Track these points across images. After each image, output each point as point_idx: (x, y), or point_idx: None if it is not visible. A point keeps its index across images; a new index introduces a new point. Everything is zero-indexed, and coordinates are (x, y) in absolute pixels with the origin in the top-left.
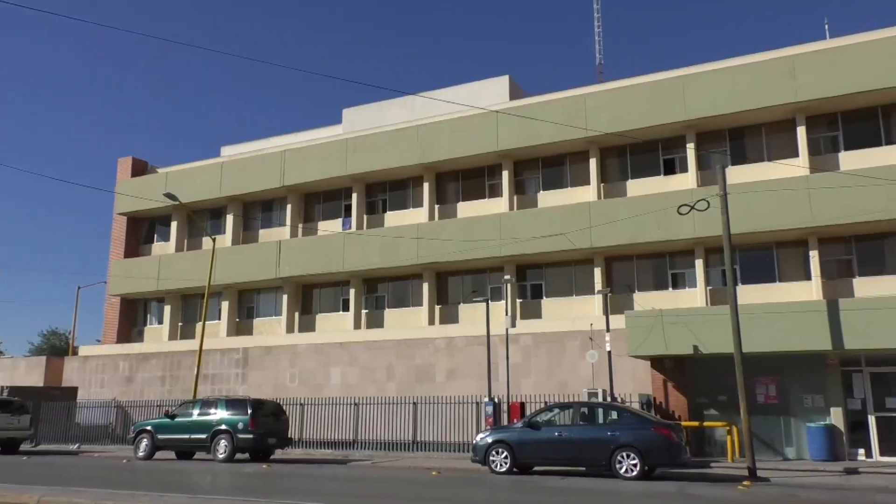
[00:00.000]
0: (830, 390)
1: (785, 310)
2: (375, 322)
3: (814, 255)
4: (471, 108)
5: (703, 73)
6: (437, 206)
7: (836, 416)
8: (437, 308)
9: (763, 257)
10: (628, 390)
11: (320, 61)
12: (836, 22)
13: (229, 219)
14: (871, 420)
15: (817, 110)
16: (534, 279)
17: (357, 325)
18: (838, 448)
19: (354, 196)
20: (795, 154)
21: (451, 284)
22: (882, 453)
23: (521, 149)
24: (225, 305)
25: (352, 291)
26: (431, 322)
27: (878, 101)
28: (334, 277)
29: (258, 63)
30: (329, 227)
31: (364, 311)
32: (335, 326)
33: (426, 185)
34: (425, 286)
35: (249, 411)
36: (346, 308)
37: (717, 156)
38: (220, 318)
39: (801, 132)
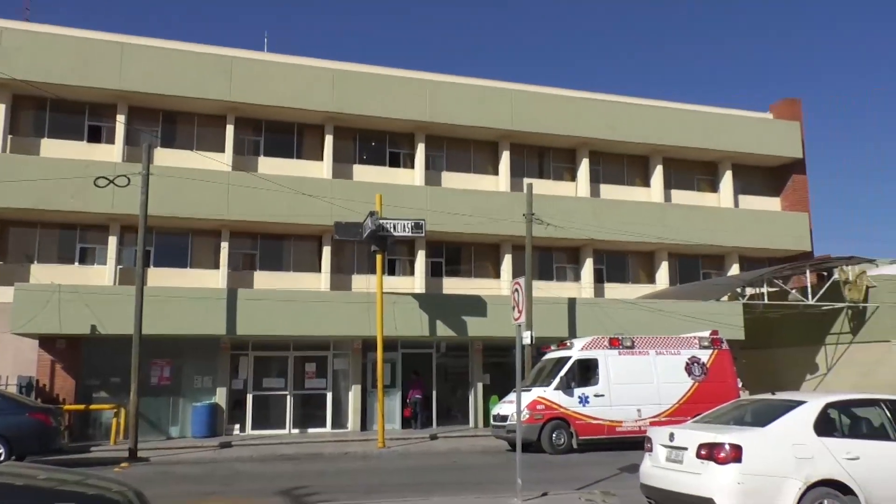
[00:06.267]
0: (220, 372)
1: (189, 295)
2: None
3: (224, 247)
4: None
5: (145, 47)
6: None
7: (221, 396)
8: None
9: (179, 242)
10: (9, 372)
11: None
12: (274, 38)
13: None
14: (250, 398)
15: (247, 113)
16: None
17: None
18: (218, 425)
19: None
20: (223, 150)
21: None
22: (254, 427)
23: None
24: None
25: None
26: None
27: (298, 118)
28: None
29: None
30: None
31: None
32: None
33: None
34: None
35: None
36: None
37: (147, 134)
38: None
39: (230, 130)
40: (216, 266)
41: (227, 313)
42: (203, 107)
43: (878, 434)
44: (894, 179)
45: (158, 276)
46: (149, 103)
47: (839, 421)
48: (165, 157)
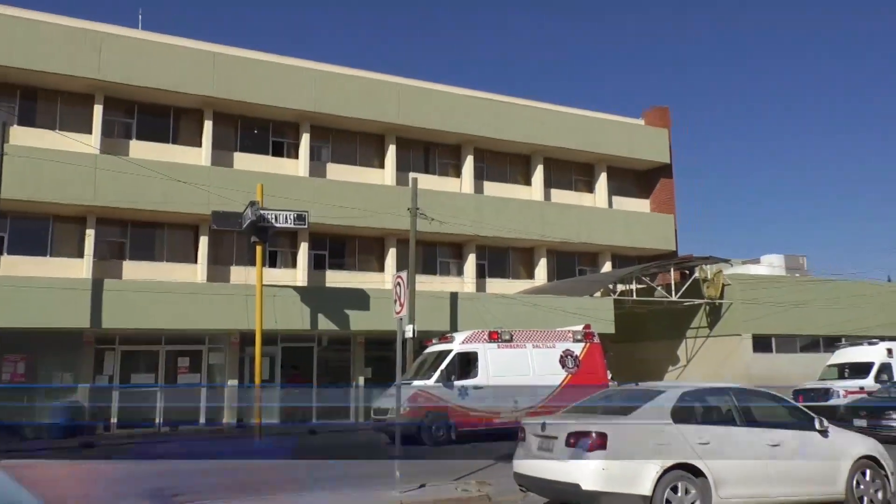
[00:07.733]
0: (82, 367)
1: (48, 285)
2: None
3: (90, 234)
4: None
5: (1, 16)
6: None
7: (83, 393)
8: None
9: (38, 228)
10: None
11: None
12: (150, 16)
13: None
14: (116, 395)
15: (117, 93)
16: None
17: None
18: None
19: None
20: (90, 131)
21: None
22: (120, 425)
23: None
24: None
25: None
26: None
27: (174, 101)
28: None
29: None
30: None
31: None
32: None
33: None
34: None
35: None
36: None
37: (3, 111)
38: None
39: (98, 111)
40: (80, 254)
41: (92, 305)
42: (68, 84)
43: (726, 420)
44: (749, 186)
45: (13, 265)
46: (5, 77)
47: (693, 408)
48: (23, 136)
